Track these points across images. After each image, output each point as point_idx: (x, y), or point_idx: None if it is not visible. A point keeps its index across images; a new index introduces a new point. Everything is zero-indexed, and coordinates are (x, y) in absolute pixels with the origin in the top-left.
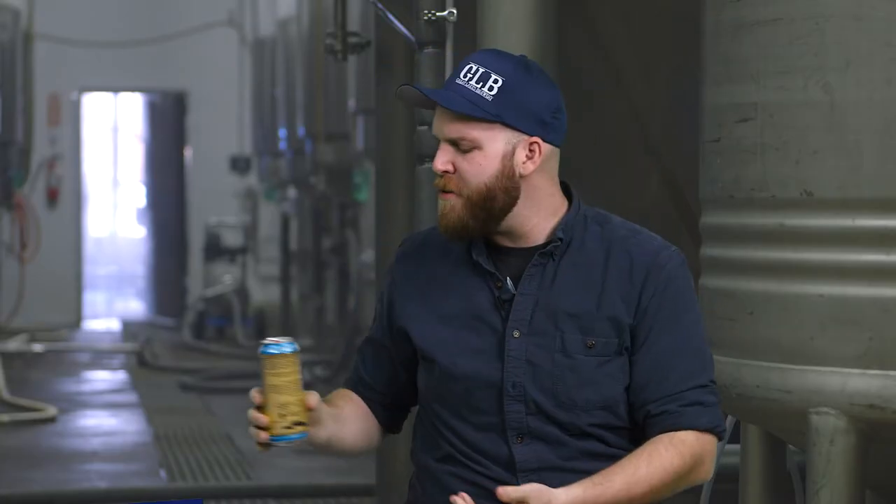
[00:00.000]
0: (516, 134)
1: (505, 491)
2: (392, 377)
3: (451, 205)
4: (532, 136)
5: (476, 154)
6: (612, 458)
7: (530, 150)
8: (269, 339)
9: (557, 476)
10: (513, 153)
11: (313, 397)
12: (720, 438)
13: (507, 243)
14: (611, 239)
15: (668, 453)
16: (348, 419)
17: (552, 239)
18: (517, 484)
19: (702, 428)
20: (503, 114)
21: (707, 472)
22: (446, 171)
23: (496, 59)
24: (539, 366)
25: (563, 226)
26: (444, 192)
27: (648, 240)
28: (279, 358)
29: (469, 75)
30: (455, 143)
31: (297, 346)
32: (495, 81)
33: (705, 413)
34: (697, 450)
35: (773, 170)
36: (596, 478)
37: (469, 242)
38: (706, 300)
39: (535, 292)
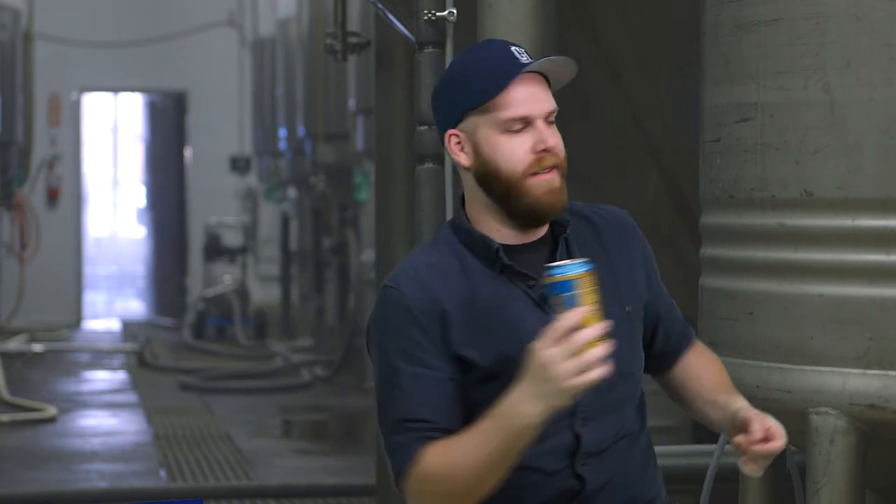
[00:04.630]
0: None
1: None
2: (464, 412)
3: (560, 181)
4: None
5: (555, 127)
6: (641, 434)
7: None
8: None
9: (615, 454)
10: None
11: None
12: None
13: (523, 239)
14: (580, 214)
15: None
16: None
17: (561, 223)
18: (582, 470)
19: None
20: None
21: None
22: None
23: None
24: None
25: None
26: (550, 169)
27: (605, 207)
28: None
29: (523, 52)
30: (546, 118)
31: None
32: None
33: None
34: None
35: (773, 170)
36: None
37: (481, 255)
38: (706, 300)
39: None
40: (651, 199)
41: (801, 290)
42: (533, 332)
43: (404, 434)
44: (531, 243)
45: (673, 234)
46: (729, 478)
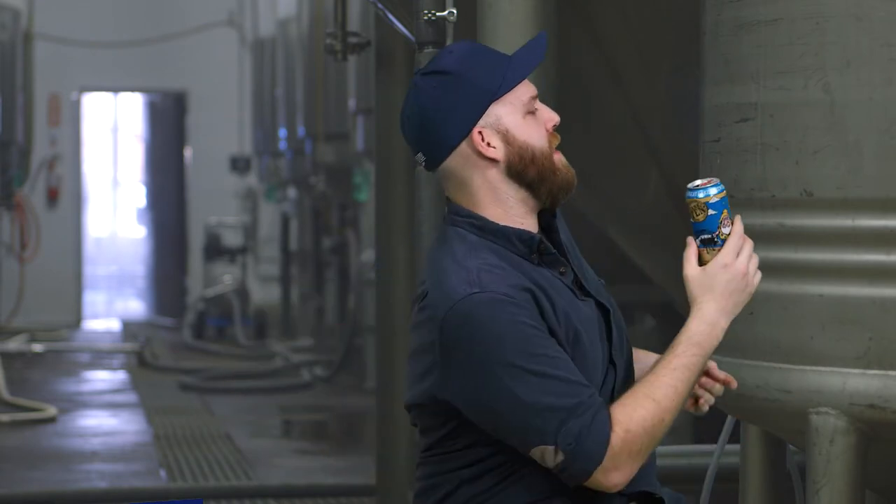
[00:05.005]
0: None
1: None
2: None
3: None
4: None
5: None
6: None
7: None
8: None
9: None
10: None
11: None
12: None
13: (535, 230)
14: None
15: None
16: None
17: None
18: None
19: None
20: None
21: None
22: None
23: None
24: (618, 315)
25: None
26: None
27: None
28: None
29: None
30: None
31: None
32: None
33: None
34: None
35: (773, 170)
36: None
37: (517, 250)
38: None
39: (573, 261)
40: (651, 199)
41: (801, 290)
42: (581, 315)
43: (583, 413)
44: (537, 230)
45: (673, 234)
46: (729, 478)
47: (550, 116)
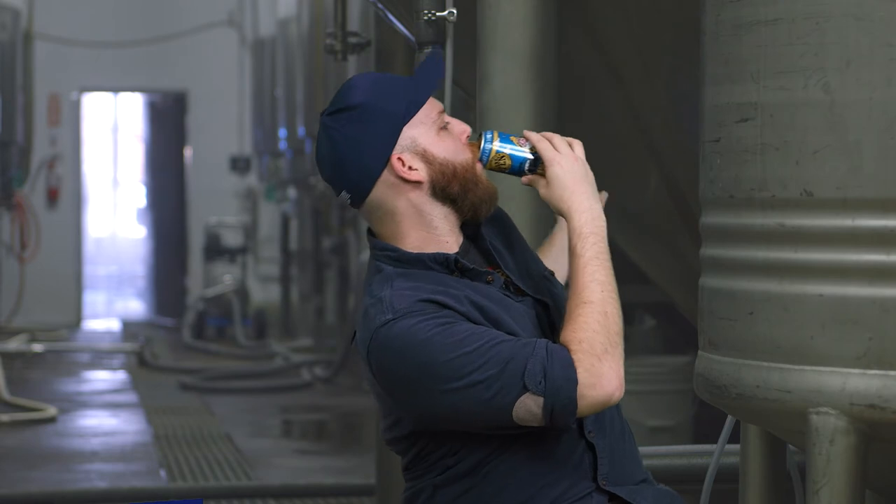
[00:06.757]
0: None
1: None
2: None
3: None
4: None
5: None
6: None
7: None
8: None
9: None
10: None
11: None
12: None
13: (458, 244)
14: None
15: None
16: None
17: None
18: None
19: None
20: None
21: None
22: None
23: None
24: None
25: None
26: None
27: None
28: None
29: None
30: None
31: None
32: None
33: None
34: None
35: (773, 170)
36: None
37: (437, 271)
38: (706, 300)
39: (507, 263)
40: (651, 199)
41: (801, 290)
42: (517, 314)
43: (535, 352)
44: (461, 248)
45: (673, 234)
46: (729, 478)
47: (462, 129)
